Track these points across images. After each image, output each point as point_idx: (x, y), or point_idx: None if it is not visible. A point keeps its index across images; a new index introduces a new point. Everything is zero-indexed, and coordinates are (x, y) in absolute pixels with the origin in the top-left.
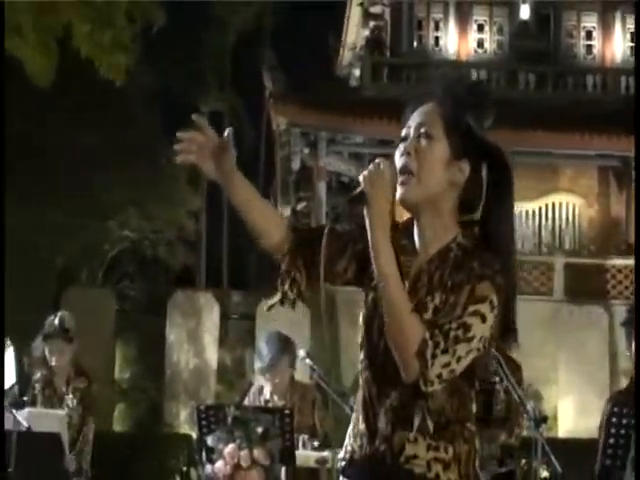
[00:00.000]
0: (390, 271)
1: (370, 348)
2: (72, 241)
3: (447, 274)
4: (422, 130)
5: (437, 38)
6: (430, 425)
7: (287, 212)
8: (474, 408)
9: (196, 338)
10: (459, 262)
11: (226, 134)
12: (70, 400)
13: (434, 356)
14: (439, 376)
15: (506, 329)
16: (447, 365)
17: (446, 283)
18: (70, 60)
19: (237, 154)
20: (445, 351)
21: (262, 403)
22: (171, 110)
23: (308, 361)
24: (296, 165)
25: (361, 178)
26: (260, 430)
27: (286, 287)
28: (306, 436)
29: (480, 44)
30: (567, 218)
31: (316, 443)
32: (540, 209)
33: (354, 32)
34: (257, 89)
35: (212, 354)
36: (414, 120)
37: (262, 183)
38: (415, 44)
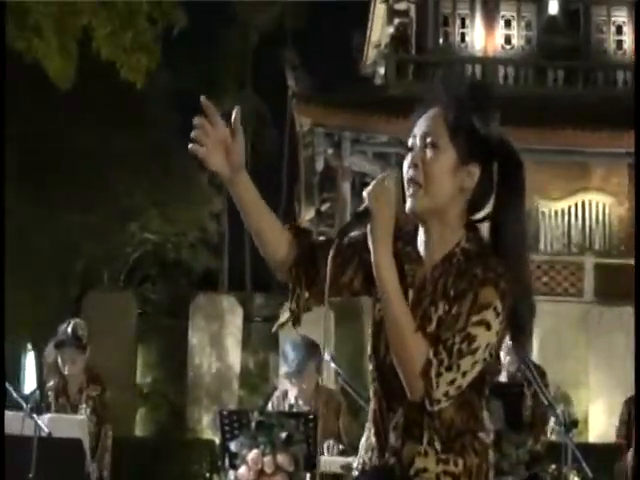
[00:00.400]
0: (392, 288)
1: (378, 361)
2: (93, 244)
3: (450, 282)
4: (428, 140)
5: (463, 34)
6: (438, 442)
7: (311, 213)
8: (486, 416)
9: (219, 341)
10: (462, 269)
11: (234, 115)
12: (84, 409)
13: (439, 375)
14: (446, 394)
15: (516, 334)
16: (452, 382)
17: (449, 292)
18: (91, 62)
19: (260, 156)
20: (449, 368)
21: (286, 408)
22: (191, 112)
23: (333, 365)
24: (320, 166)
25: (365, 194)
26: (284, 435)
27: (293, 305)
28: (331, 441)
29: (507, 40)
30: (597, 217)
31: (341, 446)
32: (570, 208)
33: (379, 30)
34: (280, 89)
35: (235, 357)
36: (419, 129)
37: (286, 184)
38: (441, 41)
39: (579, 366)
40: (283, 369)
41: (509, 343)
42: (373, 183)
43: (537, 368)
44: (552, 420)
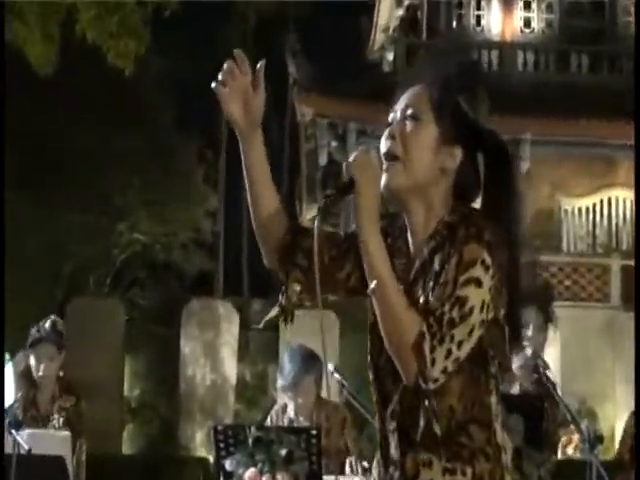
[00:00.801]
0: (382, 267)
1: (375, 367)
2: (77, 245)
3: (437, 260)
4: (408, 112)
5: (479, 17)
6: (437, 430)
7: (313, 211)
8: (494, 402)
9: (213, 351)
10: (445, 240)
11: (258, 67)
12: (55, 421)
13: (433, 349)
14: (444, 370)
15: (509, 316)
16: (449, 355)
17: (435, 268)
18: (76, 47)
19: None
20: (442, 339)
21: (286, 423)
22: (185, 103)
23: (337, 376)
24: (323, 160)
25: (347, 164)
26: (284, 452)
27: (283, 299)
28: (352, 459)
29: (527, 23)
30: (624, 215)
31: (366, 464)
32: (594, 206)
33: (387, 12)
34: (280, 77)
35: (231, 368)
36: (400, 103)
37: (286, 180)
38: (454, 24)
39: (605, 378)
40: (279, 382)
41: (525, 354)
42: (356, 154)
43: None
44: (576, 436)
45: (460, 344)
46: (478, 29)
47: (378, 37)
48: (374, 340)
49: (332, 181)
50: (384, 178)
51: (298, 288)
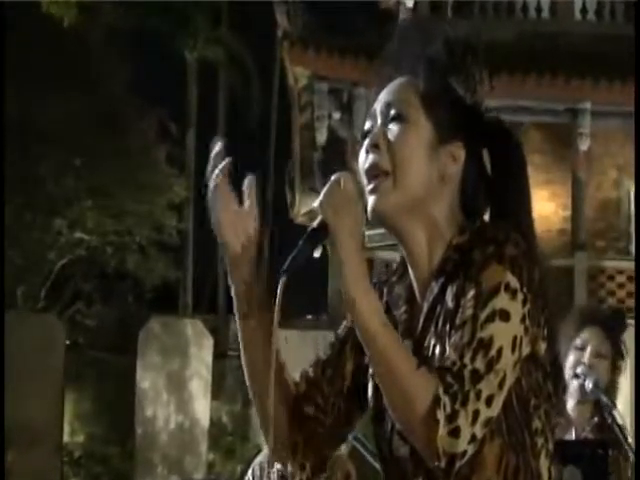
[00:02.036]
0: (376, 326)
1: (379, 437)
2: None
3: (448, 295)
4: (391, 112)
5: None
6: None
7: (310, 204)
8: (545, 467)
9: (180, 385)
10: (458, 269)
11: (246, 185)
12: None
13: (454, 415)
14: (472, 439)
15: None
16: (476, 417)
17: (447, 306)
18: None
19: (239, 121)
20: (465, 400)
21: (274, 476)
22: (146, 60)
23: None
24: (322, 136)
25: (316, 204)
26: None
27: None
28: None
29: None
30: None
31: None
32: None
33: None
34: (266, 28)
35: (203, 408)
36: (379, 102)
37: (273, 162)
38: None
39: None
40: None
41: (583, 388)
42: (324, 190)
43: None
44: None
45: (490, 400)
46: None
47: None
48: (378, 416)
49: (334, 163)
50: (371, 201)
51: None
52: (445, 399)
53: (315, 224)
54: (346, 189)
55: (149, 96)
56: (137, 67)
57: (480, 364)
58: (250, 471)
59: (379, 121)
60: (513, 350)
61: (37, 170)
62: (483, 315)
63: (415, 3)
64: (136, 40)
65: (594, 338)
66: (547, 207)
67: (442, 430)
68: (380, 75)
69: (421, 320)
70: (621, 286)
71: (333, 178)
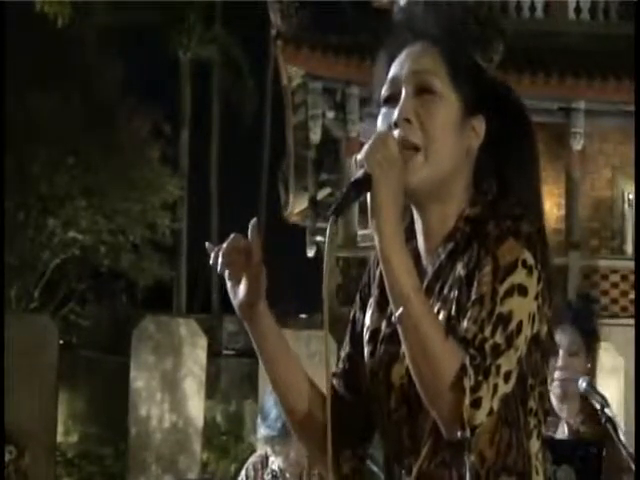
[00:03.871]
0: (410, 285)
1: (379, 394)
2: None
3: (458, 264)
4: (420, 83)
5: None
6: None
7: (304, 203)
8: (535, 449)
9: (173, 384)
10: (471, 240)
11: (251, 231)
12: None
13: (478, 386)
14: (490, 412)
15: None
16: (495, 391)
17: (457, 274)
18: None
19: (232, 120)
20: (487, 373)
21: (268, 477)
22: (140, 59)
23: None
24: (316, 136)
25: (361, 156)
26: None
27: None
28: None
29: None
30: None
31: None
32: None
33: None
34: (260, 28)
35: (197, 407)
36: (402, 69)
37: (268, 162)
38: None
39: None
40: (261, 431)
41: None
42: (370, 142)
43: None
44: None
45: (508, 376)
46: None
47: None
48: (379, 376)
49: (328, 163)
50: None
51: None
52: (470, 370)
53: (359, 174)
54: (391, 147)
55: (143, 95)
56: (131, 66)
57: (500, 338)
58: (244, 471)
59: (405, 91)
60: (528, 327)
61: (30, 170)
62: (502, 290)
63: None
64: (130, 39)
65: (564, 338)
66: None
67: (467, 400)
68: (395, 38)
69: (425, 283)
70: (615, 285)
71: (377, 134)
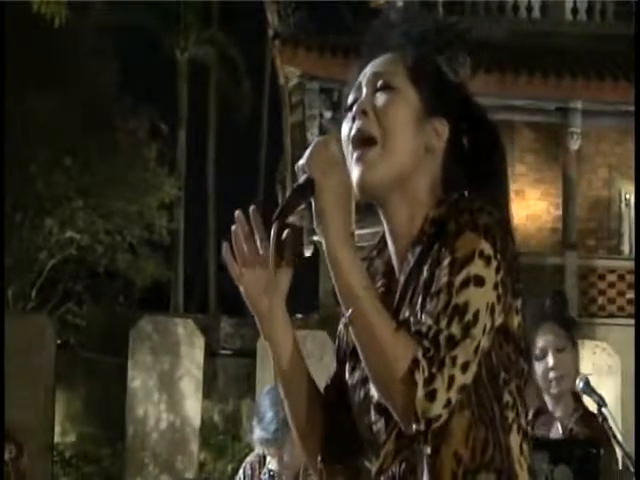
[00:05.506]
0: (357, 283)
1: (352, 387)
2: None
3: (424, 266)
4: (379, 83)
5: None
6: None
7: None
8: (516, 442)
9: (171, 384)
10: (434, 241)
11: (251, 213)
12: None
13: (431, 378)
14: (447, 404)
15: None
16: (451, 383)
17: (423, 276)
18: None
19: (229, 120)
20: (441, 365)
21: (264, 478)
22: (137, 59)
23: None
24: (314, 136)
25: (302, 161)
26: None
27: None
28: None
29: None
30: None
31: None
32: None
33: None
34: (257, 27)
35: (194, 407)
36: (365, 76)
37: (265, 162)
38: None
39: None
40: (257, 433)
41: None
42: (311, 147)
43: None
44: None
45: (465, 367)
46: None
47: None
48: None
49: None
50: (357, 170)
51: None
52: (423, 362)
53: (301, 180)
54: (332, 150)
55: (140, 96)
56: (128, 66)
57: (456, 329)
58: (241, 470)
59: (365, 90)
60: (485, 316)
61: (27, 169)
62: (457, 281)
63: (405, 2)
64: (127, 39)
65: (549, 336)
66: (538, 206)
67: (420, 392)
68: (363, 53)
69: (398, 293)
70: (612, 285)
71: (317, 139)
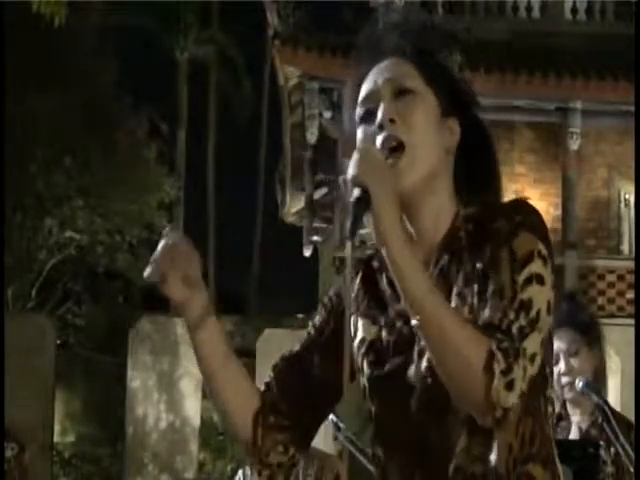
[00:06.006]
0: (425, 289)
1: (385, 418)
2: None
3: (467, 258)
4: (397, 87)
5: None
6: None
7: (300, 202)
8: (552, 434)
9: (170, 384)
10: (477, 235)
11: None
12: None
13: (509, 368)
14: (521, 394)
15: None
16: (524, 373)
17: (472, 270)
18: None
19: (228, 120)
20: (516, 356)
21: None
22: (137, 59)
23: (331, 416)
24: (313, 136)
25: (351, 174)
26: None
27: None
28: None
29: None
30: None
31: None
32: None
33: None
34: (256, 27)
35: (193, 407)
36: (376, 82)
37: (264, 162)
38: None
39: None
40: None
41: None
42: (354, 158)
43: (621, 419)
44: None
45: (533, 358)
46: None
47: None
48: (387, 395)
49: (324, 163)
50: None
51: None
52: (498, 354)
53: (355, 195)
54: (378, 158)
55: (140, 95)
56: (128, 66)
57: (524, 321)
58: (240, 471)
59: (384, 97)
60: (548, 313)
61: (27, 169)
62: (521, 279)
63: (405, 3)
64: (127, 39)
65: (562, 341)
66: (538, 206)
67: (497, 382)
68: (362, 57)
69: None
70: (611, 285)
71: (358, 149)
